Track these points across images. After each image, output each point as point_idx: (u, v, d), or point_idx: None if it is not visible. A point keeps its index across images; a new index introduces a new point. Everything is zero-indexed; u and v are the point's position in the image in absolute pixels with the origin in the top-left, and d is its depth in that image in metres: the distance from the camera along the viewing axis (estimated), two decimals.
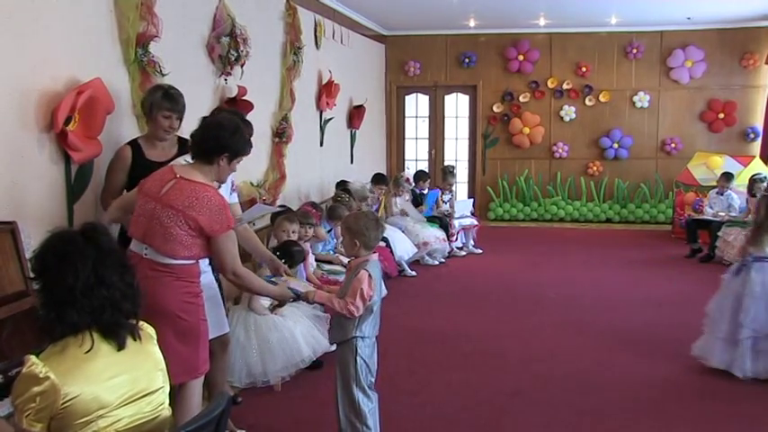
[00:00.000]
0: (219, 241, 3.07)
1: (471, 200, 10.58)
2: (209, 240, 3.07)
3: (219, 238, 3.06)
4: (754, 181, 8.62)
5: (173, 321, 3.02)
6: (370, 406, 3.45)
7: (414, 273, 7.92)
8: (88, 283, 1.98)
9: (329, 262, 6.15)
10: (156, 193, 3.06)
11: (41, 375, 1.88)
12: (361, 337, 3.38)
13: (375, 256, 3.47)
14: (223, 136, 3.13)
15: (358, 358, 3.38)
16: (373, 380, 3.47)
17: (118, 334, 2.03)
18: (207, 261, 3.40)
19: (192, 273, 3.12)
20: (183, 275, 3.07)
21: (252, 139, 4.05)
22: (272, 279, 3.77)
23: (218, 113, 4.02)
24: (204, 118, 3.56)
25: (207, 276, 3.41)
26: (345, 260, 5.73)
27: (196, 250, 3.07)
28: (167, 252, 3.01)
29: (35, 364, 1.90)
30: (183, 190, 3.03)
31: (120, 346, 2.03)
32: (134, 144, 3.86)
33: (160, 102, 3.81)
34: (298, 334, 4.44)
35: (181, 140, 3.95)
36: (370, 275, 3.33)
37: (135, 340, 2.08)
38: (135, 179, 3.56)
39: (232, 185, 3.79)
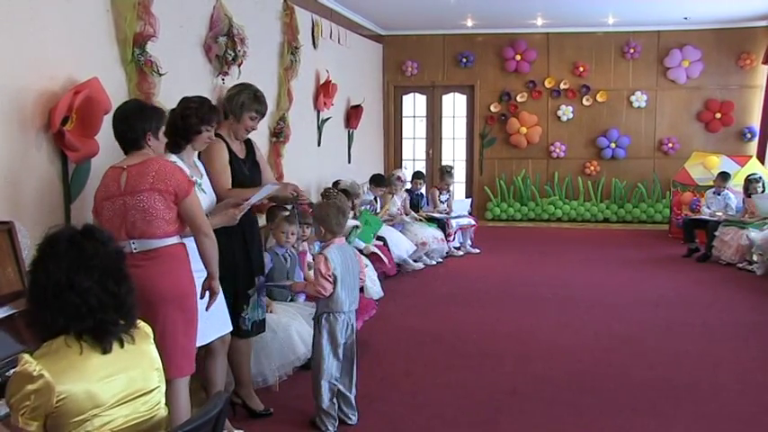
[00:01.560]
0: (189, 201, 3.13)
1: (469, 199, 10.57)
2: (180, 205, 3.12)
3: (189, 198, 3.13)
4: (749, 181, 8.64)
5: (178, 305, 3.08)
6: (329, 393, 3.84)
7: (420, 265, 8.11)
8: (59, 285, 1.96)
9: None
10: (117, 190, 3.08)
11: (35, 374, 1.88)
12: (327, 313, 3.80)
13: (339, 240, 3.84)
14: (135, 122, 3.16)
15: (323, 332, 3.81)
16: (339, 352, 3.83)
17: (103, 339, 2.01)
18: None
19: (181, 253, 3.16)
20: (173, 257, 3.11)
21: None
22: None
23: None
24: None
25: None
26: None
27: (176, 224, 3.13)
28: (153, 233, 3.05)
29: (29, 363, 1.90)
30: (140, 172, 3.07)
31: (105, 351, 2.00)
32: (222, 139, 3.89)
33: (250, 103, 3.92)
34: (293, 331, 4.42)
35: (246, 140, 4.06)
36: (325, 258, 3.72)
37: (122, 347, 2.05)
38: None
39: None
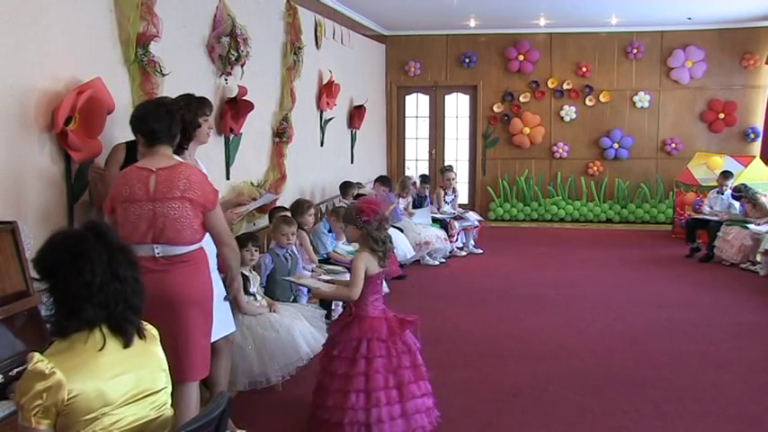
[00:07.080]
0: (214, 214, 3.16)
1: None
2: (206, 217, 3.14)
3: (215, 210, 3.16)
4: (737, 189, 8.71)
5: (200, 308, 3.13)
6: None
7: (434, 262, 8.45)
8: (105, 278, 2.01)
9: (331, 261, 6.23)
10: (145, 194, 3.05)
11: (47, 371, 1.89)
12: None
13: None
14: (163, 125, 3.14)
15: None
16: None
17: (126, 330, 2.06)
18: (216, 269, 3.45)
19: (203, 258, 3.20)
20: (196, 261, 3.14)
21: (252, 138, 4.06)
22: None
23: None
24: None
25: (217, 283, 3.44)
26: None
27: (201, 230, 3.17)
28: (182, 241, 3.07)
29: (40, 361, 1.91)
30: (170, 178, 3.06)
31: (127, 344, 2.05)
32: (130, 144, 3.71)
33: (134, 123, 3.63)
34: (295, 331, 4.43)
35: None
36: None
37: (141, 338, 2.10)
38: None
39: None
